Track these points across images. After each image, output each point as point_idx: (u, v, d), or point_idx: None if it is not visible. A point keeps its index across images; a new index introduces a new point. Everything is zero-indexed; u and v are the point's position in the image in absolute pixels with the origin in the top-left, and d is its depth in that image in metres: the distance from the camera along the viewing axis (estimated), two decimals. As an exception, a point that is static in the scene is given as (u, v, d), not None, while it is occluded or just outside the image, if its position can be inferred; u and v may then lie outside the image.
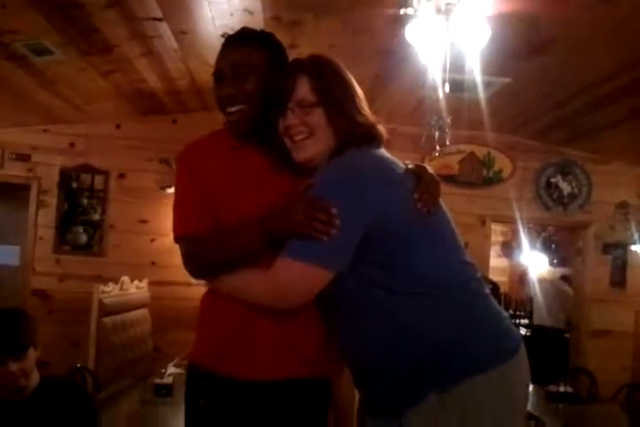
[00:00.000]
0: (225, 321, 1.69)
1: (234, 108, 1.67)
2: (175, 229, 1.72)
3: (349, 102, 1.60)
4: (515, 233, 8.41)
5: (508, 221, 6.15)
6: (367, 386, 1.63)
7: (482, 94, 4.35)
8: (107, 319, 4.33)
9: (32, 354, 2.29)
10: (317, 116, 1.58)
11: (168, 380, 3.46)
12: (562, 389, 4.14)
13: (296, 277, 1.50)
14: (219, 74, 1.70)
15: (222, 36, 2.06)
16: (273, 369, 1.66)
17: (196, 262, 1.67)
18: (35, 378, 2.31)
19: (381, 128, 1.64)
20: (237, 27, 2.35)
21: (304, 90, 1.59)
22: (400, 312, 1.51)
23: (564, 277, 7.38)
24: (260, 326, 1.65)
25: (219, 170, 1.71)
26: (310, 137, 1.59)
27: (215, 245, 1.64)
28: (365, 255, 1.50)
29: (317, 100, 1.58)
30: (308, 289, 1.52)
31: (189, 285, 4.62)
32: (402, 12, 3.11)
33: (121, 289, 4.72)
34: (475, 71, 3.80)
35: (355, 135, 1.58)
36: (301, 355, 1.68)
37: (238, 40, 1.72)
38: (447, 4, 3.18)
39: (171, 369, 3.63)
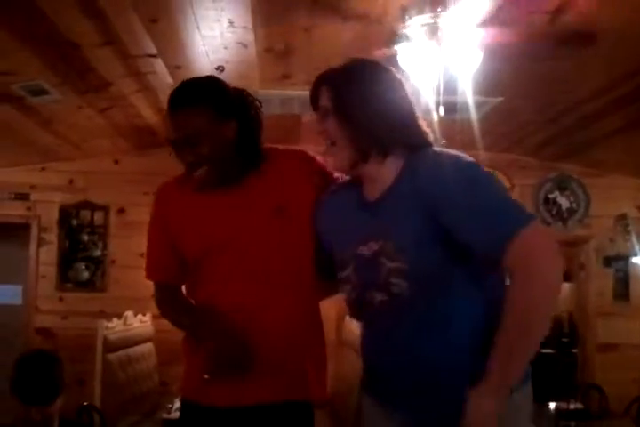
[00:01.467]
0: (197, 356, 1.74)
1: (198, 173, 1.74)
2: (145, 273, 1.90)
3: (366, 108, 1.57)
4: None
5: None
6: (419, 401, 1.56)
7: (475, 114, 4.39)
8: (112, 355, 4.31)
9: (58, 401, 2.28)
10: (332, 124, 1.60)
11: (176, 415, 3.43)
12: (572, 406, 4.12)
13: (545, 237, 1.41)
14: (173, 143, 1.73)
15: (216, 69, 2.09)
16: (250, 395, 1.71)
17: (160, 310, 1.91)
18: (55, 423, 2.30)
19: (425, 137, 1.61)
20: (231, 60, 2.39)
21: (324, 98, 1.62)
22: (485, 318, 1.49)
23: None
24: None
25: (181, 209, 1.82)
26: (333, 145, 1.61)
27: (175, 316, 1.88)
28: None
29: (331, 109, 1.60)
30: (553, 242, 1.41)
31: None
32: (394, 49, 3.16)
33: (125, 324, 4.70)
34: (467, 92, 3.84)
35: (373, 142, 1.57)
36: (279, 379, 1.72)
37: (180, 105, 1.72)
38: (436, 29, 3.23)
39: (178, 403, 3.60)
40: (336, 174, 1.82)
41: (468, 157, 1.52)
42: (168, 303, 1.89)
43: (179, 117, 1.71)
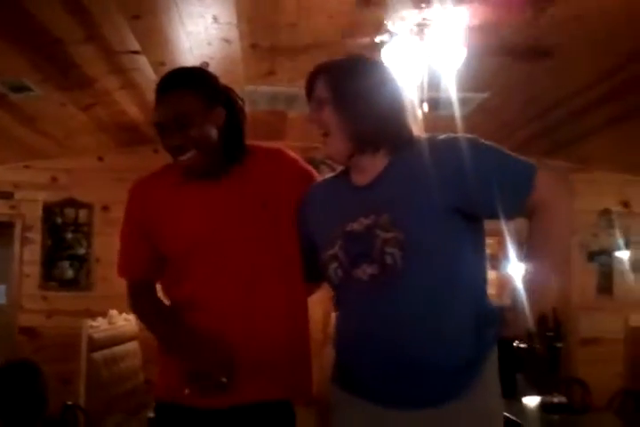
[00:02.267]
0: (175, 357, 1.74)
1: (185, 156, 1.71)
2: (117, 270, 1.90)
3: (367, 99, 1.58)
4: (500, 245, 8.44)
5: (494, 234, 6.16)
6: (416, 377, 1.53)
7: (460, 111, 4.39)
8: (96, 354, 4.27)
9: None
10: (327, 113, 1.59)
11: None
12: (555, 400, 4.14)
13: (553, 175, 1.60)
14: (160, 126, 1.72)
15: (201, 65, 2.08)
16: (228, 395, 1.66)
17: (133, 310, 1.89)
18: None
19: (412, 133, 1.63)
20: (216, 56, 2.36)
21: (320, 87, 1.62)
22: (481, 299, 1.59)
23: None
24: None
25: (160, 204, 1.79)
26: (328, 135, 1.61)
27: (148, 322, 1.84)
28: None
29: (327, 97, 1.59)
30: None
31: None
32: (377, 40, 3.16)
33: (109, 323, 4.66)
34: (452, 89, 3.85)
35: (376, 134, 1.58)
36: (259, 379, 1.69)
37: (170, 88, 1.72)
38: (420, 25, 3.24)
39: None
40: (314, 172, 1.85)
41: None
42: (142, 304, 1.86)
43: (168, 99, 1.71)
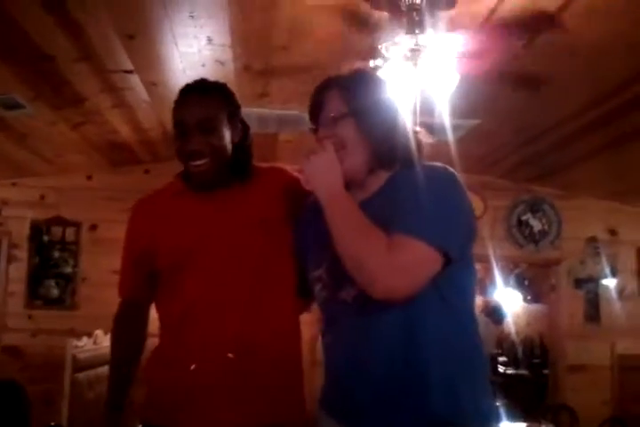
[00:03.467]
0: (166, 378, 1.74)
1: (199, 162, 1.69)
2: (118, 290, 1.91)
3: (384, 114, 1.56)
4: (487, 271, 8.47)
5: (482, 260, 6.16)
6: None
7: (452, 137, 4.41)
8: (81, 375, 4.22)
9: None
10: (347, 128, 1.55)
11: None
12: (543, 426, 4.13)
13: (416, 257, 1.40)
14: (183, 127, 1.70)
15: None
16: (216, 420, 1.66)
17: (113, 327, 1.90)
18: None
19: (414, 153, 1.59)
20: (209, 77, 2.34)
21: (334, 102, 1.57)
22: (454, 323, 1.51)
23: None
24: (201, 379, 1.67)
25: (156, 216, 1.80)
26: (342, 149, 1.55)
27: (113, 346, 1.89)
28: None
29: (347, 111, 1.55)
30: (424, 274, 1.41)
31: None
32: (371, 64, 3.18)
33: (95, 343, 4.60)
34: (444, 114, 3.87)
35: (392, 149, 1.55)
36: (249, 403, 1.67)
37: (201, 92, 1.73)
38: (413, 51, 3.26)
39: (146, 424, 3.52)
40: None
41: (450, 170, 1.53)
42: (118, 327, 1.88)
43: (198, 101, 1.71)
